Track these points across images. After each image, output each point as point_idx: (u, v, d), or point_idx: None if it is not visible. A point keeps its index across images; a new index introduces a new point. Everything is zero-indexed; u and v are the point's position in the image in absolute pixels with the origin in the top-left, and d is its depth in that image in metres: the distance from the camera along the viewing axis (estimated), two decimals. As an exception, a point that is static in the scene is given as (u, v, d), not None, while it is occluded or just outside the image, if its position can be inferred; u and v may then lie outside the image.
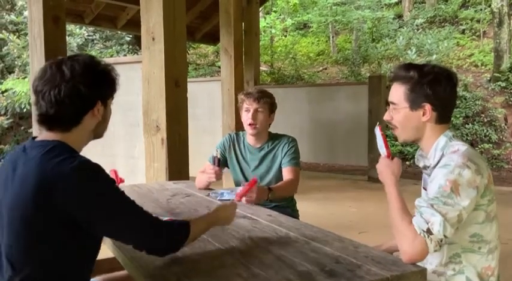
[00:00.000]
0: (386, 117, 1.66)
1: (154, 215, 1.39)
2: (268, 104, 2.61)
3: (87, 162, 1.29)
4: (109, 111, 1.49)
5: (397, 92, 1.60)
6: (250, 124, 2.58)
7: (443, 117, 1.58)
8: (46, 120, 1.37)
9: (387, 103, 1.71)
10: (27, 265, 1.27)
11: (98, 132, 1.48)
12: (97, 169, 1.30)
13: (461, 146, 1.51)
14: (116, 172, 2.28)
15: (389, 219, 1.46)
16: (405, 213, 1.43)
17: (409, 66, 1.60)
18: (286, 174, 2.54)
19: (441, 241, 1.36)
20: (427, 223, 1.35)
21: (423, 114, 1.55)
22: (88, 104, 1.38)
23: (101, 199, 1.27)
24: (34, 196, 1.23)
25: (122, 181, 2.26)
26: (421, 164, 1.68)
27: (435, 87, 1.53)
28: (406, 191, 5.41)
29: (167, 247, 1.38)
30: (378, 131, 1.68)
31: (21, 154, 1.34)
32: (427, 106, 1.54)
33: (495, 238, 1.55)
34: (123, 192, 1.34)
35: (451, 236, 1.40)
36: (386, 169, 1.58)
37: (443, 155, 1.53)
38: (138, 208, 1.35)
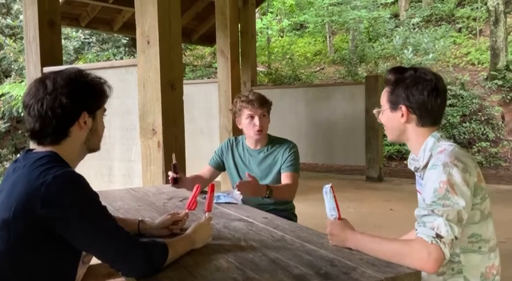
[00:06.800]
0: (378, 118, 1.72)
1: (133, 237, 1.37)
2: (269, 107, 2.63)
3: (71, 173, 1.30)
4: (100, 123, 1.50)
5: (383, 95, 1.67)
6: (258, 130, 2.57)
7: (425, 121, 1.59)
8: (34, 136, 1.39)
9: None
10: (4, 269, 1.28)
11: (91, 145, 1.48)
12: (80, 180, 1.30)
13: (447, 146, 1.53)
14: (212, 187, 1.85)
15: (385, 256, 1.39)
16: (394, 240, 1.42)
17: (392, 70, 1.66)
18: (285, 179, 2.54)
19: (452, 241, 1.34)
20: (433, 229, 1.34)
21: (402, 116, 1.60)
22: (71, 116, 1.39)
23: (78, 211, 1.26)
24: (18, 201, 1.25)
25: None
26: (412, 167, 1.69)
27: (410, 90, 1.57)
28: (404, 191, 5.41)
29: (143, 269, 1.33)
30: (329, 192, 1.58)
31: (16, 164, 1.38)
32: (403, 108, 1.59)
33: (494, 235, 1.55)
34: (104, 208, 1.34)
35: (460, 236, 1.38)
36: (344, 229, 1.53)
37: (432, 155, 1.54)
38: (116, 227, 1.33)
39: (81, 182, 1.30)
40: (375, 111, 1.73)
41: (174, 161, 2.39)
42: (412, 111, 1.59)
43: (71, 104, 1.36)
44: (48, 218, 1.24)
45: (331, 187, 1.59)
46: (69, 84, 1.38)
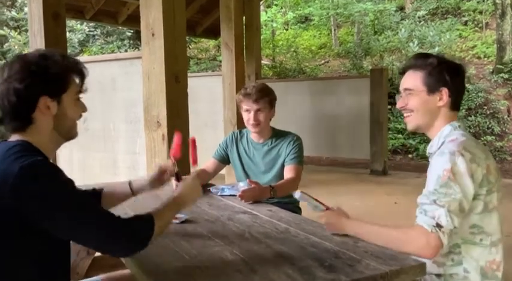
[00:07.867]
0: (399, 104, 1.67)
1: (116, 215, 1.28)
2: (267, 102, 2.60)
3: (39, 161, 1.21)
4: (70, 107, 1.37)
5: (413, 78, 1.62)
6: (252, 124, 2.58)
7: (456, 104, 1.62)
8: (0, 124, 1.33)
9: (398, 91, 1.72)
10: None
11: (62, 130, 1.38)
12: (49, 169, 1.22)
13: (459, 136, 1.53)
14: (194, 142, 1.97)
15: (384, 242, 1.44)
16: (392, 227, 1.45)
17: (427, 54, 1.66)
18: (288, 172, 2.54)
19: (451, 231, 1.38)
20: (434, 218, 1.37)
21: (439, 99, 1.59)
22: (27, 101, 1.30)
23: (47, 201, 1.18)
24: None
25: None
26: (427, 152, 1.70)
27: (453, 73, 1.59)
28: (408, 185, 5.39)
29: (131, 247, 1.28)
30: (303, 195, 1.73)
31: None
32: (444, 91, 1.58)
33: (497, 230, 1.54)
34: (78, 195, 1.26)
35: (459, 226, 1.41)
36: (339, 216, 1.63)
37: (444, 142, 1.54)
38: (93, 208, 1.27)
39: (49, 171, 1.22)
40: (399, 102, 1.67)
41: (176, 169, 2.36)
42: (451, 95, 1.59)
43: (25, 90, 1.28)
44: (17, 210, 1.17)
45: (300, 192, 1.72)
46: (24, 69, 1.29)
